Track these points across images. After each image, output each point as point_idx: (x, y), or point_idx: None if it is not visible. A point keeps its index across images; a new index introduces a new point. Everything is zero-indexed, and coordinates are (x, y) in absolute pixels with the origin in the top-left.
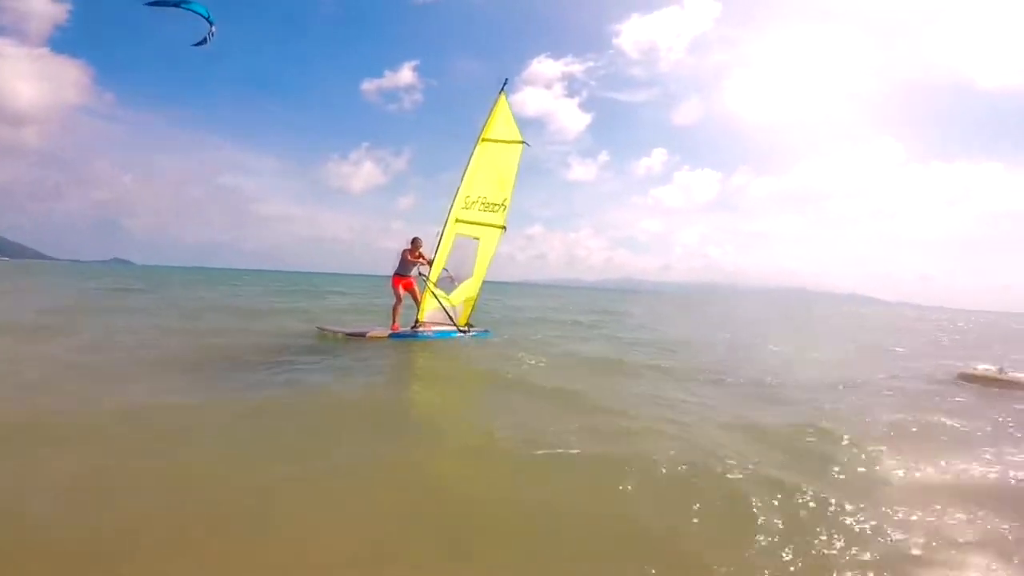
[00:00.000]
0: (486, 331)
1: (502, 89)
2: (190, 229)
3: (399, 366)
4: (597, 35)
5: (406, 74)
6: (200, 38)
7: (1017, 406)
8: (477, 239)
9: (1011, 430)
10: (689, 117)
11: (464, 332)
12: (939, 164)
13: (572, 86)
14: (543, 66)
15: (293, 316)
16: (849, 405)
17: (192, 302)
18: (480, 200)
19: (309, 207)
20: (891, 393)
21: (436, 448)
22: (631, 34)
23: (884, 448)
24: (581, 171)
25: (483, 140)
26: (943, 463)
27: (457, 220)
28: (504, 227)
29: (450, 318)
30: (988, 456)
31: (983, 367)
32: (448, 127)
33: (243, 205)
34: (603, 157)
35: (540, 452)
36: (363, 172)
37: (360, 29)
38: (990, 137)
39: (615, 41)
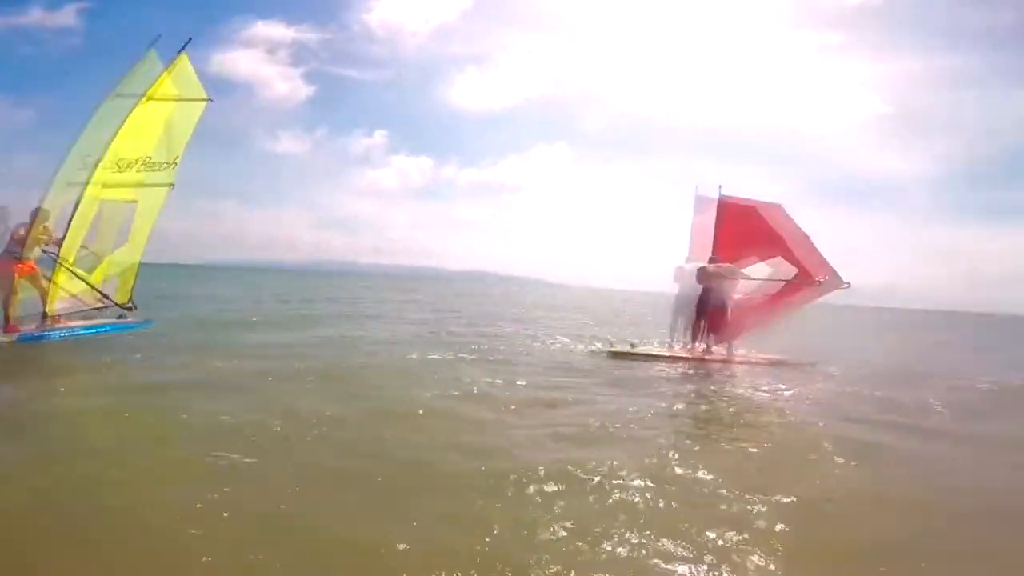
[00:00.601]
0: (148, 321)
1: (182, 49)
2: None
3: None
4: (347, 8)
5: (66, 15)
6: None
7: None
8: (134, 201)
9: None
10: (417, 103)
11: (129, 309)
12: (590, 165)
13: (300, 54)
14: (269, 29)
15: None
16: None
17: None
18: (141, 160)
19: None
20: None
21: None
22: (382, 12)
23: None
24: (292, 144)
25: (148, 98)
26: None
27: (105, 186)
28: (173, 184)
29: (103, 296)
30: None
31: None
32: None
33: None
34: (320, 132)
35: None
36: None
37: None
38: (627, 146)
39: (364, 17)
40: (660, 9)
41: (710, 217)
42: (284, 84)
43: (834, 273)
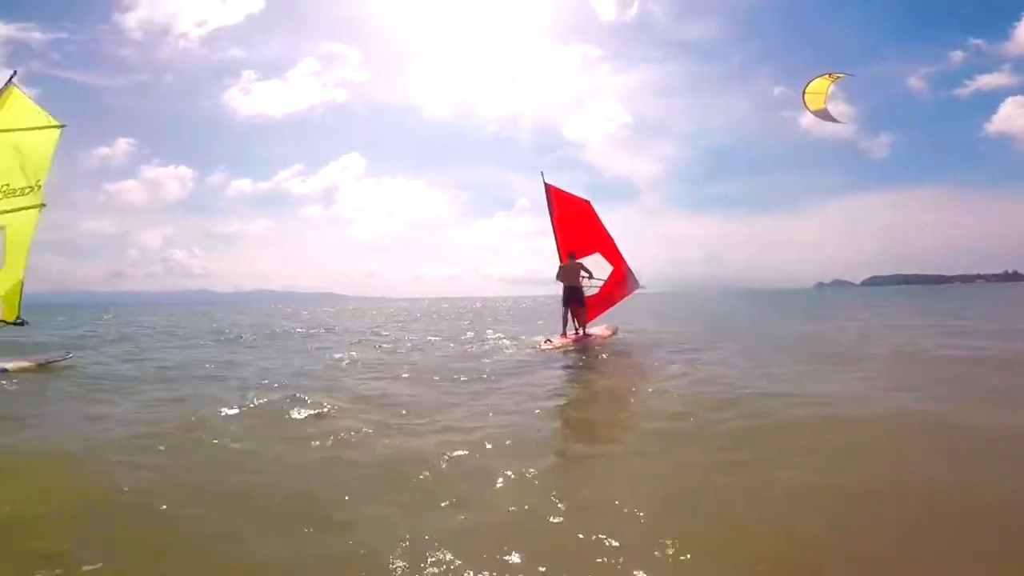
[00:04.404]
0: None
1: (10, 80)
2: None
3: None
4: (94, 6)
5: None
6: None
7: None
8: (2, 227)
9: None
10: (174, 109)
11: (20, 324)
12: (387, 179)
13: (17, 55)
14: None
15: None
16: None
17: None
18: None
19: None
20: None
21: None
22: (145, 12)
23: None
24: None
25: None
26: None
27: None
28: (44, 204)
29: None
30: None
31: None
32: None
33: None
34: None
35: None
36: None
37: None
38: (420, 158)
39: (118, 15)
40: (449, 22)
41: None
42: None
43: (633, 275)
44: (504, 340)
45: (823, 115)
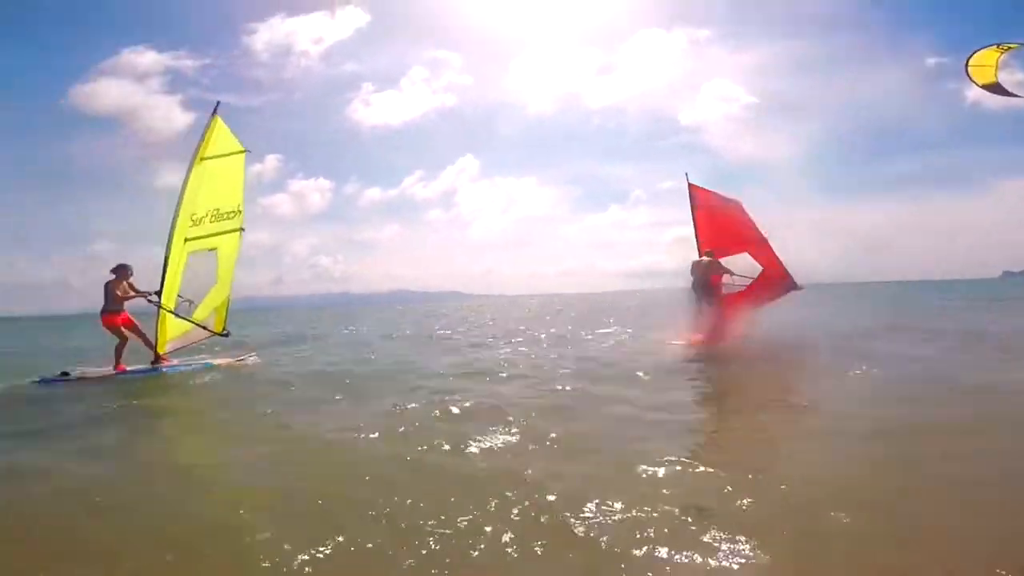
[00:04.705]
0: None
1: (215, 111)
2: None
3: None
4: (226, 32)
5: None
6: None
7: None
8: (215, 249)
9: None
10: (308, 124)
11: (225, 335)
12: (499, 178)
13: (175, 82)
14: (139, 57)
15: None
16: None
17: None
18: (211, 213)
19: None
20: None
21: None
22: (267, 35)
23: None
24: (174, 177)
25: (201, 159)
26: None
27: (187, 240)
28: (243, 228)
29: (205, 328)
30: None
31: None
32: None
33: None
34: None
35: None
36: None
37: None
38: (529, 155)
39: (246, 39)
40: (542, 19)
41: (706, 212)
42: (161, 113)
43: (789, 275)
44: (647, 336)
45: (995, 89)
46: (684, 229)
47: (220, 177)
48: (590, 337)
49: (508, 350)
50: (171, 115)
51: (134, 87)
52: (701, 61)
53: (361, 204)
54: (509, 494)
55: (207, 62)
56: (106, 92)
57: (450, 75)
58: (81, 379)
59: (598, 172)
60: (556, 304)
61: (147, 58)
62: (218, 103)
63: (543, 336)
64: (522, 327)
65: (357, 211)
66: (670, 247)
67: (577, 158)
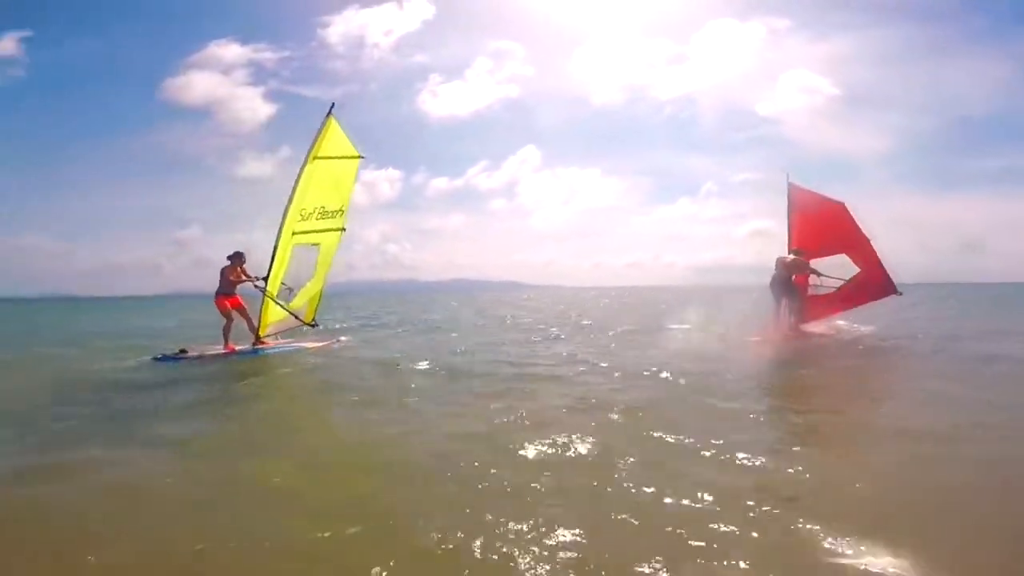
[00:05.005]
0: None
1: (329, 112)
2: None
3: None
4: (303, 24)
5: (7, 44)
6: None
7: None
8: (317, 244)
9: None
10: (380, 115)
11: (314, 326)
12: (561, 169)
13: (258, 75)
14: (223, 50)
15: None
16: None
17: None
18: (318, 210)
19: None
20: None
21: None
22: (341, 27)
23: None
24: (255, 167)
25: (314, 158)
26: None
27: (294, 233)
28: (344, 228)
29: (296, 318)
30: None
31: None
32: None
33: None
34: (284, 152)
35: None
36: None
37: None
38: (592, 146)
39: (321, 32)
40: (607, 8)
41: (803, 214)
42: (245, 104)
43: (889, 279)
44: (729, 332)
45: None
46: (761, 222)
47: (330, 178)
48: (670, 329)
49: (578, 342)
50: (254, 106)
51: (221, 79)
52: (780, 51)
53: (428, 194)
54: (595, 483)
55: (286, 55)
56: (196, 84)
57: (513, 66)
58: (200, 357)
59: (667, 164)
60: (625, 296)
61: (231, 51)
62: (333, 104)
63: (620, 331)
64: (587, 322)
65: (424, 200)
66: (745, 241)
67: (645, 149)
